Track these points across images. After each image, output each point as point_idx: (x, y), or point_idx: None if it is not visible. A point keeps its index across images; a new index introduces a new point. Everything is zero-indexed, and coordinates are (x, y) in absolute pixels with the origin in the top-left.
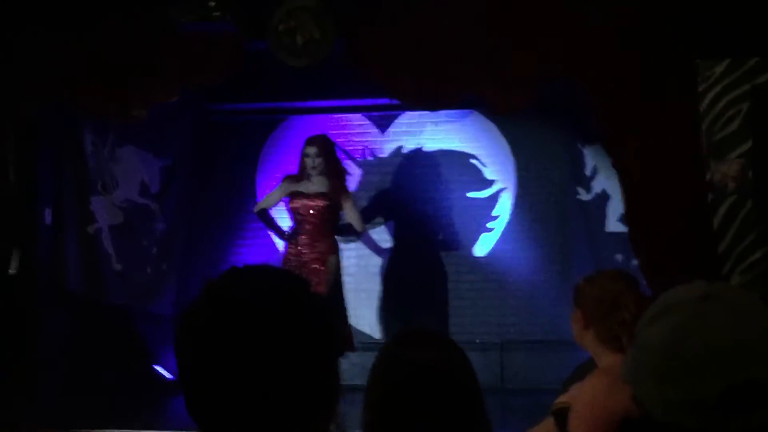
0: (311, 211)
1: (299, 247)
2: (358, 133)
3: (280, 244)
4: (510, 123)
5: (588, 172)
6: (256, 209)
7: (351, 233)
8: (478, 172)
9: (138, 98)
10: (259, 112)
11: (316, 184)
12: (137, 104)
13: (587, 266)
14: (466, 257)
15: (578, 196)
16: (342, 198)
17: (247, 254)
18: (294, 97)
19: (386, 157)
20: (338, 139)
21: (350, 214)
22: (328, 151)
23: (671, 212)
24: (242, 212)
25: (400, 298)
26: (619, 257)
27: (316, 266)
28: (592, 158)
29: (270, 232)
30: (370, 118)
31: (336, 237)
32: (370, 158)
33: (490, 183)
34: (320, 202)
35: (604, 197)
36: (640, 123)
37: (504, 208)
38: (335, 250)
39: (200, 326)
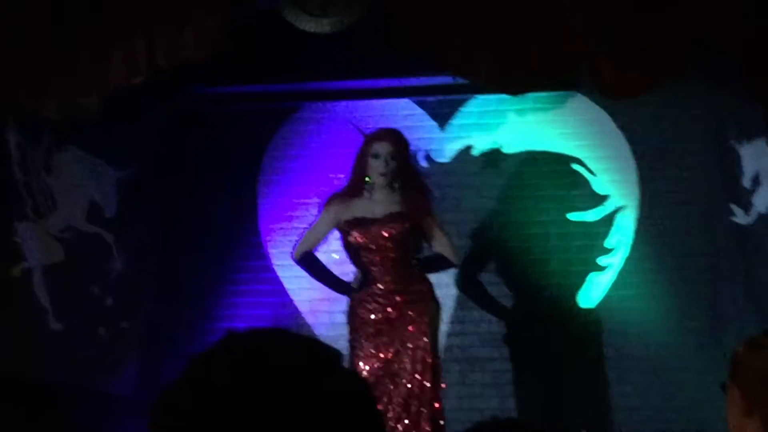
0: (383, 242)
1: (376, 299)
2: (405, 127)
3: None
4: (630, 112)
5: (747, 182)
6: (296, 255)
7: (440, 267)
8: (584, 183)
9: (86, 81)
10: (263, 99)
11: (384, 201)
12: (85, 90)
13: (747, 324)
14: (566, 308)
15: (733, 218)
16: (424, 219)
17: (247, 308)
18: (312, 77)
19: (447, 163)
20: None
21: (439, 240)
22: (405, 153)
23: None
24: (239, 244)
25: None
26: None
27: (413, 317)
28: (752, 162)
29: (321, 283)
30: (423, 106)
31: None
32: (423, 163)
33: (602, 199)
34: (397, 227)
35: None
36: None
37: (622, 237)
38: (433, 292)
39: (189, 421)
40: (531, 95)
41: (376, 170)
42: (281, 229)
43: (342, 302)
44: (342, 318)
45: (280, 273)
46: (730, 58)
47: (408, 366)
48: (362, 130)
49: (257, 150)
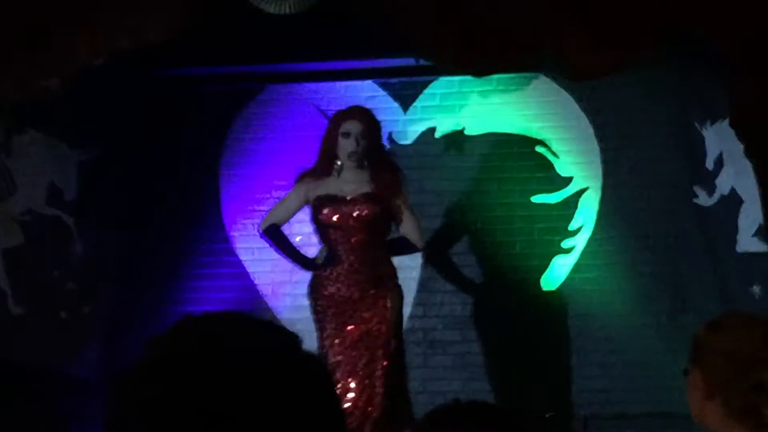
0: (353, 223)
1: (340, 278)
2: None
3: (262, 275)
4: (594, 94)
5: (710, 164)
6: (262, 226)
7: (404, 250)
8: (548, 165)
9: (47, 62)
10: (225, 80)
11: (354, 180)
12: (45, 71)
13: (709, 305)
14: (530, 291)
15: (696, 200)
16: (394, 200)
17: (209, 291)
18: (274, 59)
19: (410, 145)
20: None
21: (407, 223)
22: (376, 132)
23: None
24: (201, 227)
25: (431, 353)
26: (755, 289)
27: (376, 303)
28: (715, 144)
29: (284, 258)
30: (385, 87)
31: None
32: (386, 145)
33: (566, 182)
34: (367, 208)
35: (733, 202)
36: None
37: (586, 219)
38: (395, 277)
39: (144, 404)
40: (494, 77)
41: (346, 149)
42: (243, 212)
43: (303, 286)
44: (304, 300)
45: (242, 256)
46: (695, 41)
47: (371, 347)
48: (325, 111)
49: (220, 132)
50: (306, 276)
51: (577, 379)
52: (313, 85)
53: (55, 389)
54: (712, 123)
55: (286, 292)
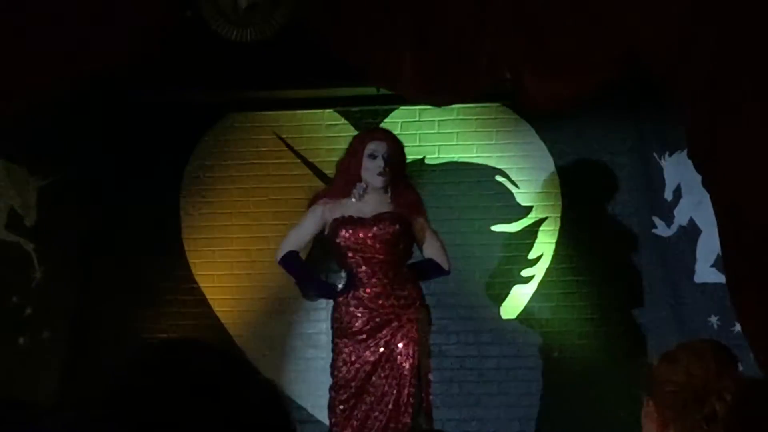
0: (373, 243)
1: (362, 302)
2: (328, 137)
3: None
4: (553, 124)
5: (668, 195)
6: (279, 254)
7: (432, 273)
8: (507, 194)
9: (6, 87)
10: (186, 108)
11: (374, 202)
12: (5, 96)
13: (666, 335)
14: (488, 320)
15: (654, 230)
16: (415, 220)
17: (170, 318)
18: (235, 86)
19: None
20: (299, 147)
21: (431, 244)
22: (400, 154)
23: None
24: (161, 255)
25: None
26: (713, 320)
27: (406, 327)
28: (674, 175)
29: (303, 285)
30: (346, 116)
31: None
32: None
33: (525, 211)
34: (387, 228)
35: (692, 232)
36: (748, 122)
37: (545, 248)
38: (422, 298)
39: None
40: (454, 106)
41: (374, 170)
42: (203, 239)
43: (264, 315)
44: (265, 329)
45: (202, 283)
46: (653, 72)
47: (396, 373)
48: (284, 140)
49: (180, 159)
50: (261, 304)
51: (536, 407)
52: (274, 114)
53: (13, 416)
54: (671, 154)
55: (247, 321)
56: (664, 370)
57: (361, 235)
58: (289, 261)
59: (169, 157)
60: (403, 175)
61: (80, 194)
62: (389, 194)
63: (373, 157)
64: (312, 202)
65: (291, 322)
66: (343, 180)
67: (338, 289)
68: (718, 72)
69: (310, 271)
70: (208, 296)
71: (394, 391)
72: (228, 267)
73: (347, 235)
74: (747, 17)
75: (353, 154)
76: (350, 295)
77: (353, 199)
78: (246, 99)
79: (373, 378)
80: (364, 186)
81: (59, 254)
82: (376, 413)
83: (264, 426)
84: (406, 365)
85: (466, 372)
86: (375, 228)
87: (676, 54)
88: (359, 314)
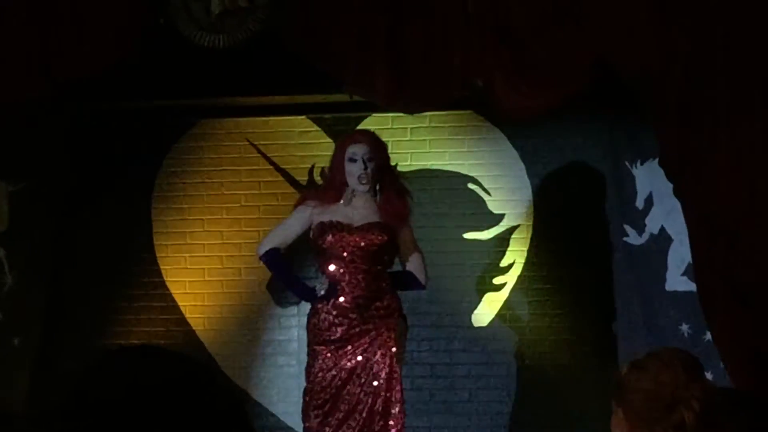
0: (359, 252)
1: (342, 309)
2: (301, 144)
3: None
4: (526, 130)
5: (640, 203)
6: (261, 249)
7: (409, 286)
8: (479, 202)
9: None
10: (158, 114)
11: (362, 208)
12: None
13: (637, 343)
14: (460, 327)
15: (625, 239)
16: (401, 231)
17: (140, 325)
18: (207, 93)
19: None
20: (272, 154)
21: (413, 257)
22: (382, 153)
23: (764, 262)
24: (132, 260)
25: None
26: (684, 328)
27: (383, 337)
28: (646, 183)
29: (283, 285)
30: (319, 123)
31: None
32: (319, 181)
33: (497, 219)
34: (374, 238)
35: (663, 240)
36: (720, 132)
37: (516, 256)
38: (400, 309)
39: None
40: (427, 114)
41: (354, 173)
42: (175, 245)
43: (234, 321)
44: (234, 336)
45: (174, 290)
46: (624, 80)
47: (372, 382)
48: (257, 147)
49: (152, 166)
50: (233, 311)
51: (506, 415)
52: (245, 120)
53: None
54: (642, 162)
55: (217, 328)
56: (633, 378)
57: (347, 241)
58: (271, 258)
59: (141, 163)
60: (393, 176)
61: (52, 200)
62: (378, 199)
63: (352, 160)
64: (299, 202)
65: (262, 329)
66: (330, 186)
67: (317, 294)
68: (690, 82)
69: (291, 270)
70: (179, 302)
71: (369, 400)
72: (200, 273)
73: (333, 240)
74: (719, 27)
75: (336, 159)
76: (330, 303)
77: (342, 204)
78: (218, 105)
79: (348, 386)
80: (351, 190)
81: (30, 260)
82: (350, 421)
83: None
84: (383, 374)
85: (437, 379)
86: (362, 237)
87: (648, 64)
88: (338, 323)
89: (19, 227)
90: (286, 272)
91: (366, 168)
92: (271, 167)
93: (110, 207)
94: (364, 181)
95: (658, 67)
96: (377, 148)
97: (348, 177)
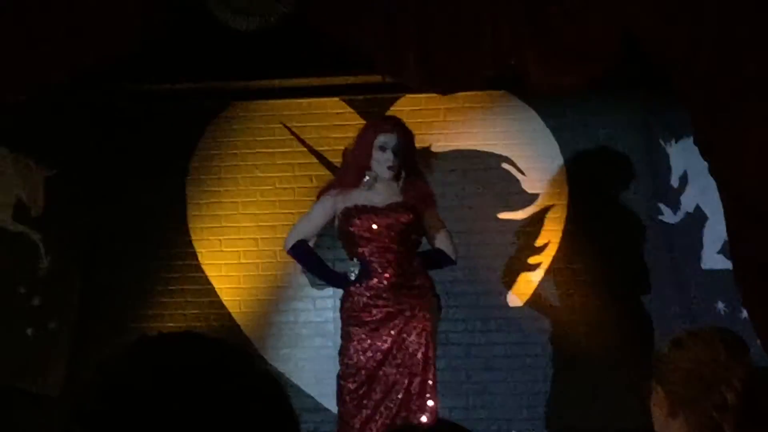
0: (388, 233)
1: (376, 292)
2: (334, 126)
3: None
4: (559, 109)
5: (675, 181)
6: (288, 243)
7: (440, 264)
8: (513, 181)
9: (8, 78)
10: (191, 97)
11: (385, 192)
12: (7, 87)
13: (674, 321)
14: (495, 308)
15: (661, 217)
16: (426, 211)
17: (176, 308)
18: (239, 75)
19: None
20: (305, 136)
21: (440, 235)
22: (410, 143)
23: None
24: (167, 243)
25: None
26: (720, 306)
27: (414, 315)
28: (680, 161)
29: (314, 276)
30: (352, 105)
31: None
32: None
33: (532, 198)
34: (402, 218)
35: (698, 219)
36: (753, 109)
37: (551, 236)
38: (433, 288)
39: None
40: (460, 94)
41: (383, 163)
42: (209, 228)
43: (269, 303)
44: (270, 318)
45: (209, 272)
46: (656, 60)
47: (407, 362)
48: (291, 129)
49: (185, 149)
50: (268, 293)
51: (543, 395)
52: (278, 102)
53: (21, 406)
54: (677, 140)
55: (253, 310)
56: (673, 357)
57: (374, 224)
58: (299, 250)
59: (175, 146)
60: (414, 163)
61: (86, 185)
62: (400, 184)
63: (383, 149)
64: (322, 192)
65: (298, 311)
66: (352, 170)
67: (350, 279)
68: (721, 59)
69: (321, 260)
70: (215, 285)
71: (405, 381)
72: (235, 256)
73: (360, 223)
74: (748, 4)
75: (363, 145)
76: (363, 285)
77: (363, 189)
78: (251, 88)
79: (384, 367)
80: (375, 175)
81: (66, 245)
82: (387, 402)
83: (266, 416)
84: (418, 355)
85: (473, 359)
86: (388, 217)
87: (679, 41)
88: (372, 303)
89: (54, 212)
90: (316, 262)
91: (396, 158)
92: (305, 149)
93: (145, 191)
94: (392, 171)
95: (687, 45)
96: (406, 137)
97: (375, 164)
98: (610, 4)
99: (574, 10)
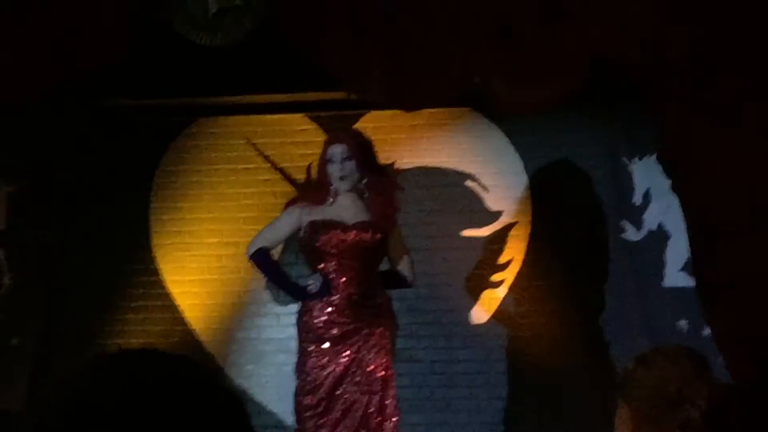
0: (354, 251)
1: (335, 308)
2: (299, 142)
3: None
4: (523, 127)
5: (638, 199)
6: (250, 250)
7: (397, 285)
8: (477, 198)
9: None
10: (155, 112)
11: (351, 207)
12: None
13: (637, 339)
14: (458, 324)
15: (623, 235)
16: (392, 231)
17: (138, 324)
18: (204, 91)
19: None
20: (269, 152)
21: (402, 257)
22: (363, 151)
23: (762, 258)
24: (130, 260)
25: None
26: (682, 324)
27: (372, 333)
28: (643, 179)
29: (274, 287)
30: (317, 121)
31: None
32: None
33: (495, 216)
34: (367, 236)
35: (661, 237)
36: (718, 127)
37: (515, 253)
38: (391, 307)
39: None
40: (425, 111)
41: (335, 175)
42: (173, 244)
43: (232, 320)
44: (234, 333)
45: (173, 289)
46: (622, 76)
47: (366, 380)
48: (255, 145)
49: (150, 165)
50: (232, 309)
51: (506, 412)
52: (243, 118)
53: None
54: (641, 158)
55: (216, 327)
56: (638, 374)
57: (340, 239)
58: (261, 258)
59: (139, 162)
60: (380, 174)
61: (50, 200)
62: (365, 198)
63: (332, 162)
64: (289, 203)
65: (261, 327)
66: (316, 186)
67: (309, 292)
68: (689, 76)
69: (282, 269)
70: (178, 302)
71: (365, 399)
72: (198, 272)
73: (326, 239)
74: (719, 19)
75: (320, 161)
76: (324, 300)
77: (330, 203)
78: (216, 104)
79: (344, 385)
80: (335, 189)
81: (29, 260)
82: (346, 421)
83: None
84: (377, 373)
85: (436, 376)
86: (356, 234)
87: (648, 58)
88: (332, 320)
89: (17, 227)
90: (276, 271)
91: (343, 167)
92: (269, 165)
93: (108, 206)
94: (344, 181)
95: (654, 63)
96: (356, 146)
97: (330, 178)
98: (577, 23)
99: (543, 30)
